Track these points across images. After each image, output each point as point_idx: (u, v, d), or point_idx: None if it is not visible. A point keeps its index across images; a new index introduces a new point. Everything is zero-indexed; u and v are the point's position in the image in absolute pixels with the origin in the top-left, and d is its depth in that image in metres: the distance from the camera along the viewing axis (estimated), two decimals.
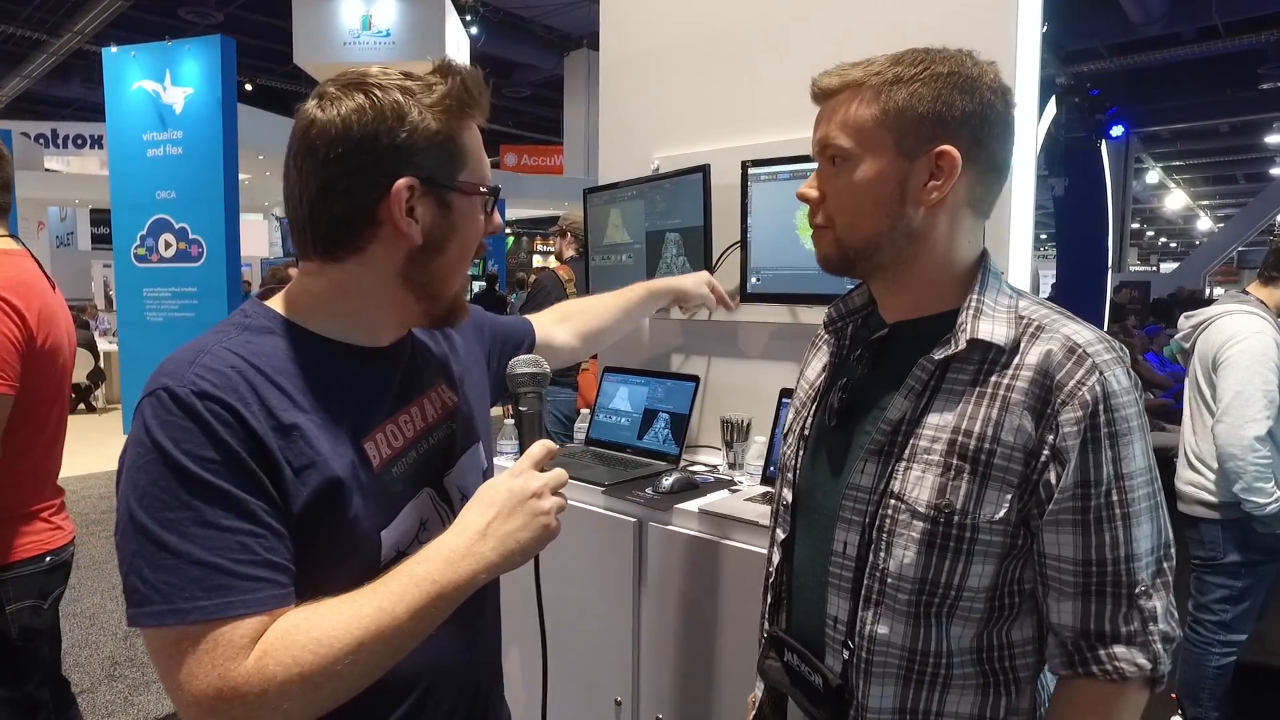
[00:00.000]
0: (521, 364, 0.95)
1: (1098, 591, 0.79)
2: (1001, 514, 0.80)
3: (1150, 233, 29.88)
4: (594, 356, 3.41)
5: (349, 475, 0.76)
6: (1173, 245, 32.34)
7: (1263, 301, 2.35)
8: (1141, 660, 0.79)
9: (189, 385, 0.71)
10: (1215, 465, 2.30)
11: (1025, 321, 0.83)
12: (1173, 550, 0.83)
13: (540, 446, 0.84)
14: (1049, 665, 0.85)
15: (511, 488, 0.79)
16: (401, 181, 0.76)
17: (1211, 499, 2.32)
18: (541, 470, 0.83)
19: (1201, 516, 2.35)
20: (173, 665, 0.67)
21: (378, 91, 0.76)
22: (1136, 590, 0.79)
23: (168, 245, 6.47)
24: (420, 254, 0.80)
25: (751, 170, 1.77)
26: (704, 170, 1.83)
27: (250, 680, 0.66)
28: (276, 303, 0.83)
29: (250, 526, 0.70)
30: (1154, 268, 26.66)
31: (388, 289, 0.82)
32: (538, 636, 0.91)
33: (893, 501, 0.84)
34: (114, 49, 5.87)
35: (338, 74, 0.79)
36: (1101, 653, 0.80)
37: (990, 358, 0.82)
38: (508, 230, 15.27)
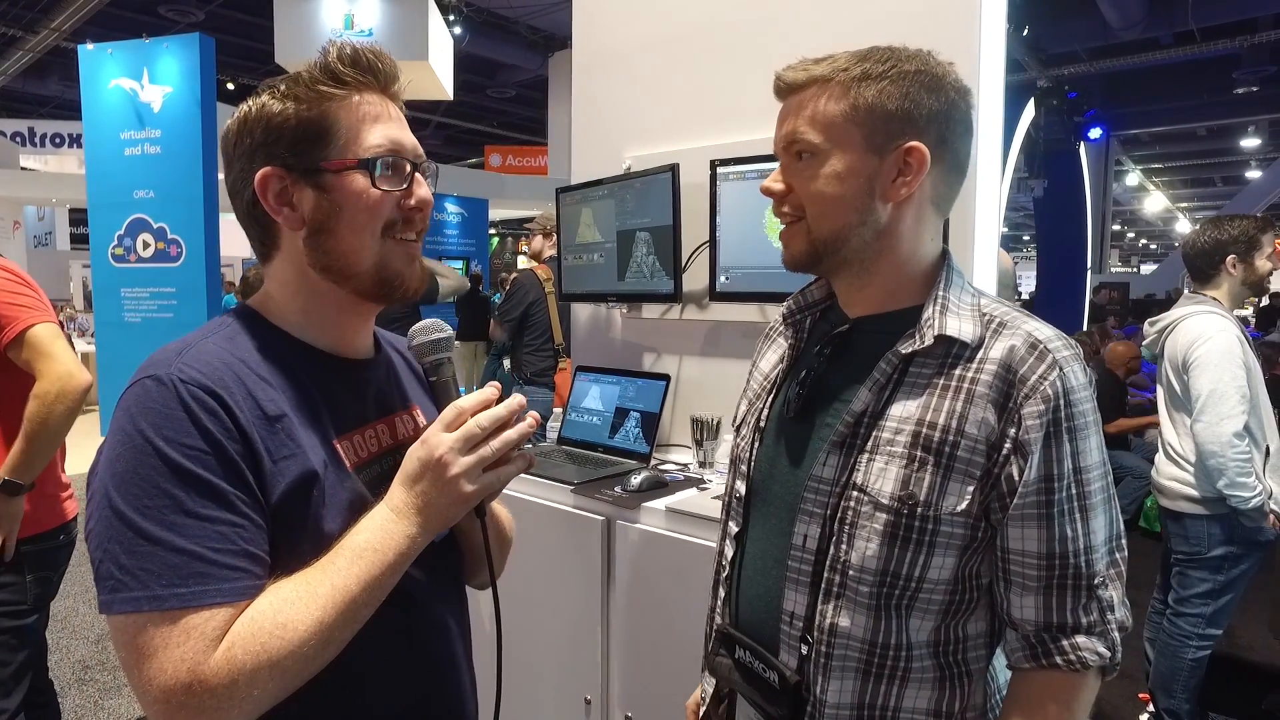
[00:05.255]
0: (422, 332, 0.87)
1: (1059, 584, 0.81)
2: (963, 506, 0.81)
3: (1130, 234, 30.25)
4: (569, 356, 3.40)
5: (323, 470, 0.77)
6: (1153, 247, 32.73)
7: (1218, 299, 2.39)
8: (1102, 649, 0.81)
9: (175, 374, 0.72)
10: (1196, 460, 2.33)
11: (988, 318, 0.85)
12: (1124, 541, 0.85)
13: (451, 409, 0.80)
14: (1010, 659, 0.86)
15: (420, 455, 0.78)
16: (259, 174, 0.79)
17: (1195, 494, 2.34)
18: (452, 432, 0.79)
19: (1187, 512, 2.37)
20: (140, 658, 0.67)
21: (253, 99, 0.81)
22: (1095, 581, 0.81)
23: (146, 245, 6.38)
24: (313, 240, 0.81)
25: (720, 169, 1.78)
26: (673, 169, 1.84)
27: (219, 672, 0.66)
28: (254, 305, 0.86)
29: (230, 516, 0.70)
30: (1134, 269, 27.02)
31: (308, 280, 0.83)
32: (505, 627, 0.89)
33: (855, 493, 0.84)
34: (90, 46, 5.81)
35: None
36: (1065, 643, 0.81)
37: (954, 352, 0.83)
38: (492, 230, 15.18)
